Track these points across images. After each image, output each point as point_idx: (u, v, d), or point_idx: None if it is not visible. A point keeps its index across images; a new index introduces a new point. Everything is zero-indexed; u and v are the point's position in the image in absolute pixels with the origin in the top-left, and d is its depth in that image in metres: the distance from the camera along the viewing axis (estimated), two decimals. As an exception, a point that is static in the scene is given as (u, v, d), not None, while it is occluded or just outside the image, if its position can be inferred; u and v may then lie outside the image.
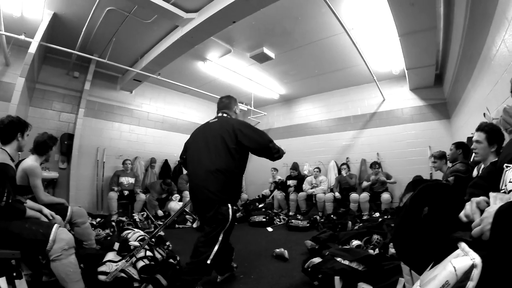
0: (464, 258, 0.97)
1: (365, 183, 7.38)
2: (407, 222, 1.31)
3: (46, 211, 2.68)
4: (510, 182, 1.42)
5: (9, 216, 2.22)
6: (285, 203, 8.24)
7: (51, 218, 2.68)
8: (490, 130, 2.54)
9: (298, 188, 8.18)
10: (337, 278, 2.56)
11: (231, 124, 2.91)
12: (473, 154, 2.85)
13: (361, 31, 5.55)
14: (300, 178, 8.40)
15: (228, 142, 2.77)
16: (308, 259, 3.13)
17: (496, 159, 2.30)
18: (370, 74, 6.68)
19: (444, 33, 5.55)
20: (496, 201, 1.11)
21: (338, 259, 2.77)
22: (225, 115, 3.22)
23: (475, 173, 3.08)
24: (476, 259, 0.93)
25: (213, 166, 2.71)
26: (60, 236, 2.28)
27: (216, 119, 3.14)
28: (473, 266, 0.91)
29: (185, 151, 3.17)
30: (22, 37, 4.83)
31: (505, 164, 1.51)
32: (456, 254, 1.03)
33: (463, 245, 1.04)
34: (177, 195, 7.51)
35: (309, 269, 2.93)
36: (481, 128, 2.61)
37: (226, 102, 3.32)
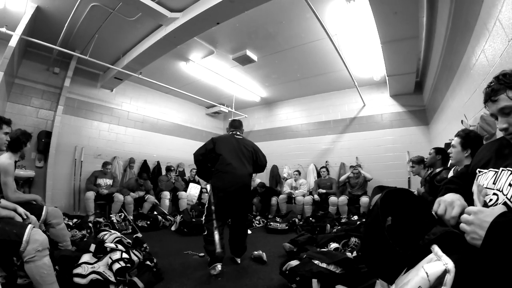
0: (436, 263, 0.98)
1: (342, 177, 7.60)
2: (374, 228, 1.33)
3: (21, 210, 2.60)
4: (494, 184, 1.40)
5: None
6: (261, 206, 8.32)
7: (25, 217, 2.61)
8: (465, 136, 2.66)
9: (264, 209, 8.23)
10: (314, 281, 2.58)
11: (253, 145, 4.26)
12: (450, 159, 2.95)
13: (344, 37, 5.62)
14: (266, 193, 8.34)
15: (253, 157, 4.15)
16: (286, 261, 3.14)
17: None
18: (352, 79, 6.76)
19: (426, 42, 5.67)
20: (479, 196, 1.13)
21: (316, 261, 2.78)
22: (242, 135, 4.35)
23: (450, 174, 3.16)
24: (449, 264, 0.94)
25: (249, 171, 4.06)
26: (34, 237, 2.23)
27: (241, 137, 4.26)
28: (446, 272, 0.93)
29: (209, 152, 3.96)
30: (3, 29, 4.71)
31: (478, 169, 1.52)
32: (429, 259, 1.04)
33: (436, 249, 1.06)
34: (197, 185, 7.52)
35: (287, 272, 2.94)
36: (458, 133, 2.74)
37: (238, 125, 4.41)
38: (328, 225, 5.70)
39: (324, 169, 8.11)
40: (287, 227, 6.23)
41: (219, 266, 3.49)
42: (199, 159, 3.95)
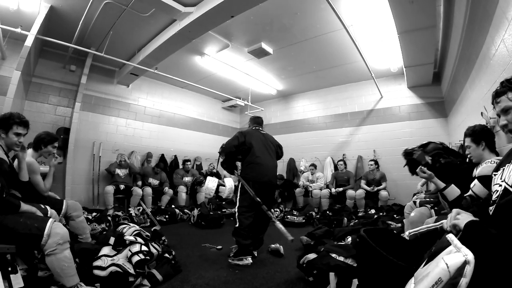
0: (456, 255, 0.99)
1: (363, 183, 7.44)
2: (370, 253, 1.52)
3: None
4: (495, 184, 1.57)
5: (3, 211, 2.22)
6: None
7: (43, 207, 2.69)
8: (472, 133, 2.66)
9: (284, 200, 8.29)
10: (332, 274, 2.56)
11: (275, 140, 4.45)
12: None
13: (360, 28, 5.53)
14: (285, 185, 8.39)
15: (276, 151, 4.32)
16: (303, 254, 3.14)
17: (491, 157, 2.42)
18: (368, 71, 6.67)
19: (444, 32, 5.55)
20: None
21: (333, 255, 2.76)
22: (264, 131, 4.46)
23: (475, 173, 3.08)
24: (469, 255, 0.96)
25: (275, 164, 4.28)
26: (55, 230, 2.27)
27: (264, 132, 4.40)
28: (465, 263, 0.94)
29: (242, 144, 4.03)
30: (18, 30, 4.77)
31: (493, 173, 1.68)
32: (449, 251, 1.05)
33: (455, 241, 1.07)
34: (215, 179, 7.57)
35: (304, 265, 2.94)
36: (465, 134, 2.75)
37: (261, 121, 4.58)
38: (345, 218, 5.68)
39: (341, 162, 8.04)
40: (304, 220, 6.22)
41: (249, 259, 3.61)
42: (232, 151, 4.00)
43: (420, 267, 1.18)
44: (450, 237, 1.14)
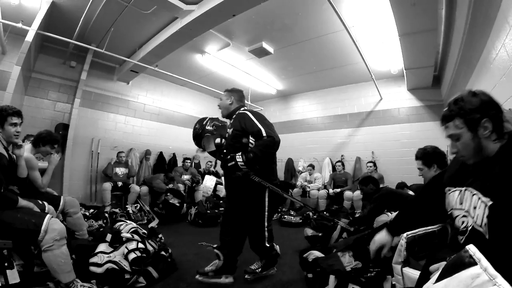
0: None
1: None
2: None
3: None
4: (458, 209, 1.45)
5: (1, 206, 2.21)
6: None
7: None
8: (422, 156, 2.73)
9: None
10: (332, 277, 2.55)
11: None
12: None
13: (361, 29, 5.53)
14: (284, 185, 8.29)
15: None
16: (308, 249, 3.17)
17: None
18: (369, 72, 6.66)
19: (445, 35, 5.54)
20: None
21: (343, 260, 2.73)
22: None
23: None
24: None
25: None
26: (52, 226, 2.27)
27: None
28: None
29: None
30: (20, 25, 4.75)
31: (447, 188, 1.57)
32: (475, 274, 0.86)
33: (484, 262, 0.87)
34: (213, 177, 7.54)
35: (309, 260, 2.93)
36: (416, 156, 2.82)
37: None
38: (342, 219, 5.68)
39: (339, 163, 8.06)
40: (301, 221, 6.24)
41: (275, 267, 3.29)
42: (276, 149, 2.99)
43: (431, 281, 1.04)
44: (475, 253, 0.92)
